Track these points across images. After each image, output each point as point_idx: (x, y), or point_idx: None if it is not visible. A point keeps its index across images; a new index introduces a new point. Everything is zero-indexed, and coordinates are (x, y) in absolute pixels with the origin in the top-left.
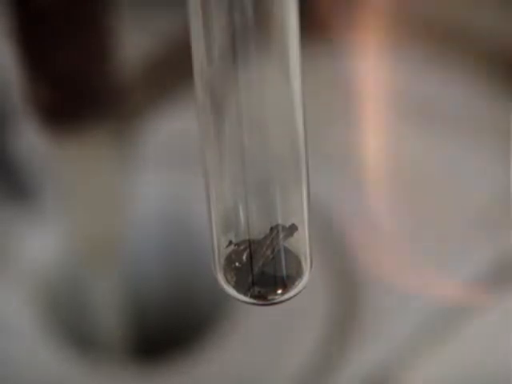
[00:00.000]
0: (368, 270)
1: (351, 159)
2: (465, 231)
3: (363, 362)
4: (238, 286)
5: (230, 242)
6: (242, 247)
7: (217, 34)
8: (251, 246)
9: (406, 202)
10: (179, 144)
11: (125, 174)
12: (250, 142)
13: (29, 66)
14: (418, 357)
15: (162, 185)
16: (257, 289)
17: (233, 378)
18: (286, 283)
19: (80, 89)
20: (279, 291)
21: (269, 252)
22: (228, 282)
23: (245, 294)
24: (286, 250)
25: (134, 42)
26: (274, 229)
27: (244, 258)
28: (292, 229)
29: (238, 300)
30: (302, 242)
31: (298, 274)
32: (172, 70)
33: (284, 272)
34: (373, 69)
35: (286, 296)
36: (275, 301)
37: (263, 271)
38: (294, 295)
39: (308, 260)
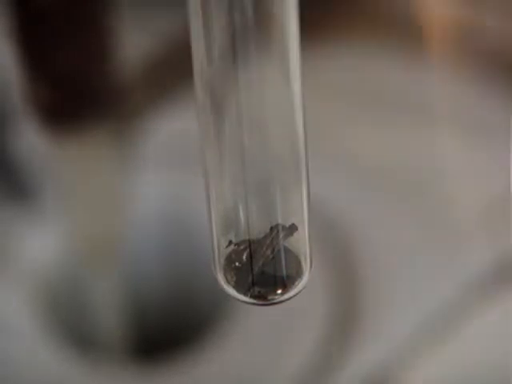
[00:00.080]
0: (368, 270)
1: (351, 159)
2: (465, 231)
3: (363, 362)
4: (238, 286)
5: (230, 242)
6: (242, 247)
7: (217, 34)
8: (251, 246)
9: (405, 202)
10: (179, 144)
11: (125, 174)
12: (249, 142)
13: (29, 66)
14: (417, 357)
15: (161, 185)
16: (257, 289)
17: (233, 378)
18: (285, 283)
19: (80, 89)
20: (279, 291)
21: (269, 252)
22: (228, 282)
23: (245, 294)
24: (286, 250)
25: (134, 42)
26: (274, 229)
27: (244, 257)
28: (292, 229)
29: (238, 300)
30: (301, 242)
31: (298, 273)
32: (172, 70)
33: (284, 272)
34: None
35: (286, 296)
36: (275, 301)
37: (263, 271)
38: (294, 295)
39: (308, 260)
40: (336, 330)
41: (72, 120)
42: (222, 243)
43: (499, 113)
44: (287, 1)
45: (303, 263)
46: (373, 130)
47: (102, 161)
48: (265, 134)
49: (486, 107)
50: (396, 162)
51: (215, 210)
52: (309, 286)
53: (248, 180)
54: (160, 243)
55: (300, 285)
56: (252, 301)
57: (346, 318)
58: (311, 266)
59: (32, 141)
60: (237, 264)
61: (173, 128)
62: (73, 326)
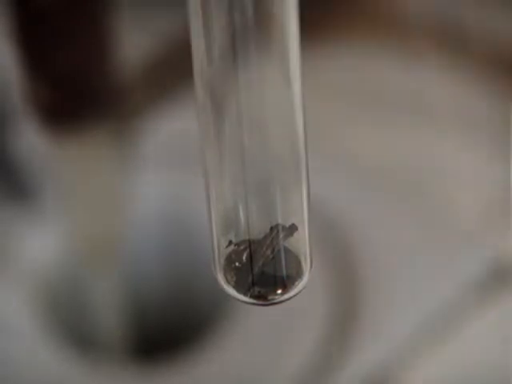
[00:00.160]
0: (368, 270)
1: (351, 159)
2: (465, 231)
3: (363, 362)
4: (238, 286)
5: (230, 242)
6: (242, 247)
7: (217, 34)
8: (251, 246)
9: (405, 202)
10: (179, 144)
11: (125, 174)
12: (249, 142)
13: (29, 66)
14: (417, 357)
15: (161, 185)
16: (257, 289)
17: (233, 378)
18: (285, 283)
19: (80, 89)
20: (279, 291)
21: (269, 252)
22: (228, 282)
23: (245, 294)
24: (286, 250)
25: (134, 42)
26: (273, 229)
27: (244, 258)
28: (292, 229)
29: (238, 300)
30: (301, 242)
31: (298, 273)
32: (172, 70)
33: (284, 272)
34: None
35: (286, 296)
36: (275, 301)
37: (263, 271)
38: (294, 295)
39: (308, 260)
40: (336, 329)
41: (72, 120)
42: (222, 243)
43: (499, 113)
44: (287, 1)
45: (303, 263)
46: (373, 129)
47: (101, 161)
48: (265, 134)
49: (485, 107)
50: (396, 161)
51: (215, 210)
52: (309, 286)
53: (248, 180)
54: (160, 243)
55: (300, 285)
56: (252, 301)
57: (345, 318)
58: (311, 266)
59: (32, 141)
60: (237, 264)
61: (173, 128)
62: (73, 326)
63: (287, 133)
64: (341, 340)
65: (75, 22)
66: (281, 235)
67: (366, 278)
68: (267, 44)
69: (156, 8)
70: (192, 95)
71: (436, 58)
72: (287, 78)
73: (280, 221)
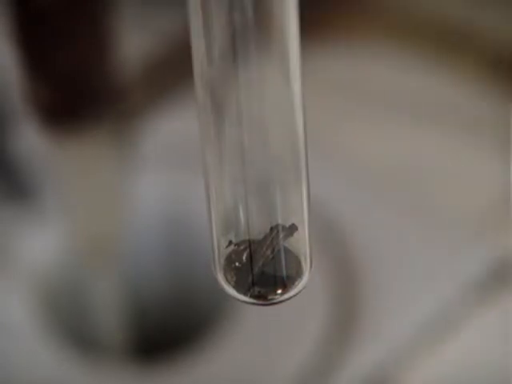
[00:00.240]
0: (368, 270)
1: (351, 159)
2: (465, 231)
3: (363, 362)
4: (238, 286)
5: (230, 242)
6: (242, 247)
7: (217, 34)
8: (251, 246)
9: (405, 202)
10: (179, 144)
11: (125, 173)
12: (249, 142)
13: (29, 66)
14: (417, 357)
15: (161, 185)
16: (257, 289)
17: (233, 378)
18: (285, 283)
19: (80, 89)
20: (279, 291)
21: (269, 252)
22: (228, 281)
23: (245, 294)
24: (286, 250)
25: (134, 42)
26: (273, 229)
27: (244, 258)
28: (292, 229)
29: (238, 300)
30: (301, 242)
31: (298, 274)
32: (172, 70)
33: (284, 272)
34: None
35: (286, 296)
36: (275, 301)
37: (263, 271)
38: (294, 295)
39: (308, 260)
40: (336, 329)
41: (72, 120)
42: (222, 243)
43: (499, 113)
44: (287, 1)
45: (303, 263)
46: (373, 130)
47: (101, 161)
48: (265, 134)
49: (485, 107)
50: (396, 161)
51: (215, 210)
52: (309, 286)
53: (248, 180)
54: (160, 243)
55: (300, 285)
56: (252, 301)
57: (346, 318)
58: (311, 266)
59: (32, 141)
60: (237, 264)
61: (173, 128)
62: (73, 326)
63: (287, 133)
64: (341, 340)
65: (75, 21)
66: (281, 235)
67: (366, 278)
68: (267, 44)
69: (156, 8)
70: (192, 95)
71: (436, 58)
72: (287, 78)
73: (280, 221)
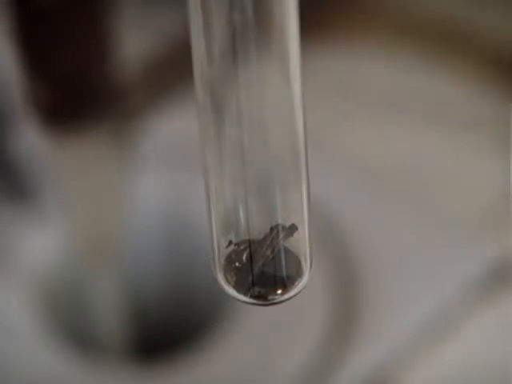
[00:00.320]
0: (368, 270)
1: (351, 159)
2: (465, 231)
3: (363, 363)
4: (238, 286)
5: (230, 242)
6: (242, 247)
7: (217, 34)
8: (251, 246)
9: (405, 202)
10: (179, 144)
11: (125, 173)
12: (249, 142)
13: (29, 66)
14: (417, 357)
15: (161, 185)
16: (257, 289)
17: (233, 378)
18: (285, 283)
19: (80, 89)
20: (279, 291)
21: (269, 252)
22: (228, 282)
23: (245, 294)
24: (286, 250)
25: (134, 42)
26: (274, 229)
27: (244, 258)
28: (292, 229)
29: (238, 300)
30: (301, 242)
31: (298, 274)
32: (172, 70)
33: (284, 272)
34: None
35: (286, 296)
36: (275, 301)
37: (263, 271)
38: (294, 295)
39: (308, 260)
40: (336, 329)
41: (72, 120)
42: (222, 243)
43: (499, 113)
44: (287, 1)
45: (303, 263)
46: (373, 130)
47: (101, 161)
48: (265, 134)
49: (485, 107)
50: (396, 161)
51: (215, 210)
52: (309, 286)
53: (248, 180)
54: (160, 243)
55: (300, 285)
56: (252, 301)
57: (346, 318)
58: (311, 266)
59: (32, 141)
60: (237, 264)
61: (173, 128)
62: (73, 326)
63: (287, 133)
64: (341, 340)
65: (75, 22)
66: (281, 235)
67: (366, 278)
68: (267, 44)
69: (156, 8)
70: (192, 95)
71: (436, 58)
72: (287, 78)
73: (280, 221)
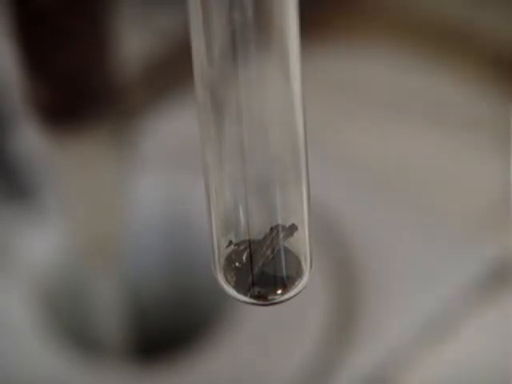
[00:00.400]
0: (368, 271)
1: (351, 160)
2: (465, 231)
3: (363, 363)
4: (238, 286)
5: (230, 242)
6: (242, 247)
7: (217, 34)
8: (251, 246)
9: (405, 202)
10: (179, 144)
11: (124, 173)
12: (249, 141)
13: (29, 66)
14: (417, 357)
15: (161, 185)
16: (257, 289)
17: (233, 378)
18: (285, 283)
19: (80, 89)
20: (279, 291)
21: (269, 252)
22: (228, 282)
23: (245, 294)
24: (286, 250)
25: (134, 42)
26: (274, 229)
27: (244, 258)
28: (292, 229)
29: (238, 300)
30: (301, 242)
31: (298, 274)
32: (172, 70)
33: (284, 272)
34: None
35: (286, 296)
36: (275, 301)
37: (263, 271)
38: (294, 295)
39: (308, 260)
40: (336, 330)
41: (72, 120)
42: (222, 243)
43: (499, 113)
44: (287, 1)
45: (303, 263)
46: (373, 130)
47: (101, 161)
48: (265, 134)
49: (485, 107)
50: (396, 161)
51: (215, 210)
52: (309, 286)
53: (248, 180)
54: (160, 243)
55: (300, 285)
56: (252, 301)
57: (345, 318)
58: (311, 266)
59: (32, 141)
60: (237, 264)
61: (173, 128)
62: (73, 326)
63: (287, 132)
64: (341, 340)
65: (75, 22)
66: (281, 235)
67: (366, 278)
68: (267, 44)
69: (156, 8)
70: (192, 95)
71: (436, 58)
72: (287, 78)
73: (280, 221)
